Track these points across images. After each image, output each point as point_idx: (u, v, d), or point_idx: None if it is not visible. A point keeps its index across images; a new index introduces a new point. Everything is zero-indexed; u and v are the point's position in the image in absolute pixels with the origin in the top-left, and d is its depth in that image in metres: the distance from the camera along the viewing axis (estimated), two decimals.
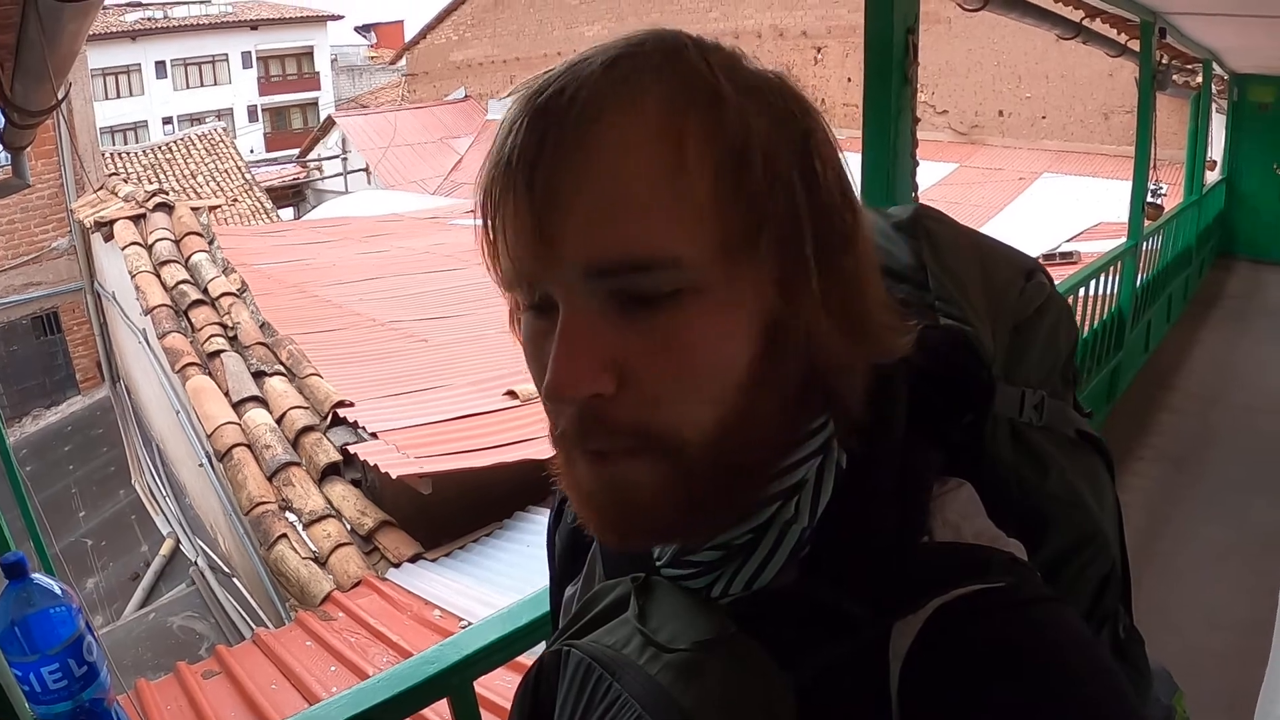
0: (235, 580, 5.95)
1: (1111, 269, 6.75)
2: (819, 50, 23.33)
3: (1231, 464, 6.27)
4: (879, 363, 0.72)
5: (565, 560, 0.95)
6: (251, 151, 32.46)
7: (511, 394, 6.58)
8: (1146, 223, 7.72)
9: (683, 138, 0.61)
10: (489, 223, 0.66)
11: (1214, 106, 12.40)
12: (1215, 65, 10.80)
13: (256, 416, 5.94)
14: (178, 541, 6.97)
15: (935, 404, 0.76)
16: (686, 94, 0.62)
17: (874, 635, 0.66)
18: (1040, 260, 0.94)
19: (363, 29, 48.25)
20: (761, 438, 0.68)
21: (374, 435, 5.80)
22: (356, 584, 4.90)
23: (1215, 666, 3.86)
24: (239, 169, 23.27)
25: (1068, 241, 12.58)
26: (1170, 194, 11.38)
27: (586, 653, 0.77)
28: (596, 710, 0.74)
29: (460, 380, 7.13)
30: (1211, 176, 13.10)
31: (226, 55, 39.08)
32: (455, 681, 1.65)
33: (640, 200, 0.60)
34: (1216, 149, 13.43)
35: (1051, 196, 18.06)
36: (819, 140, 0.67)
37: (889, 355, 0.70)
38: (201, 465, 5.81)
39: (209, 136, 23.86)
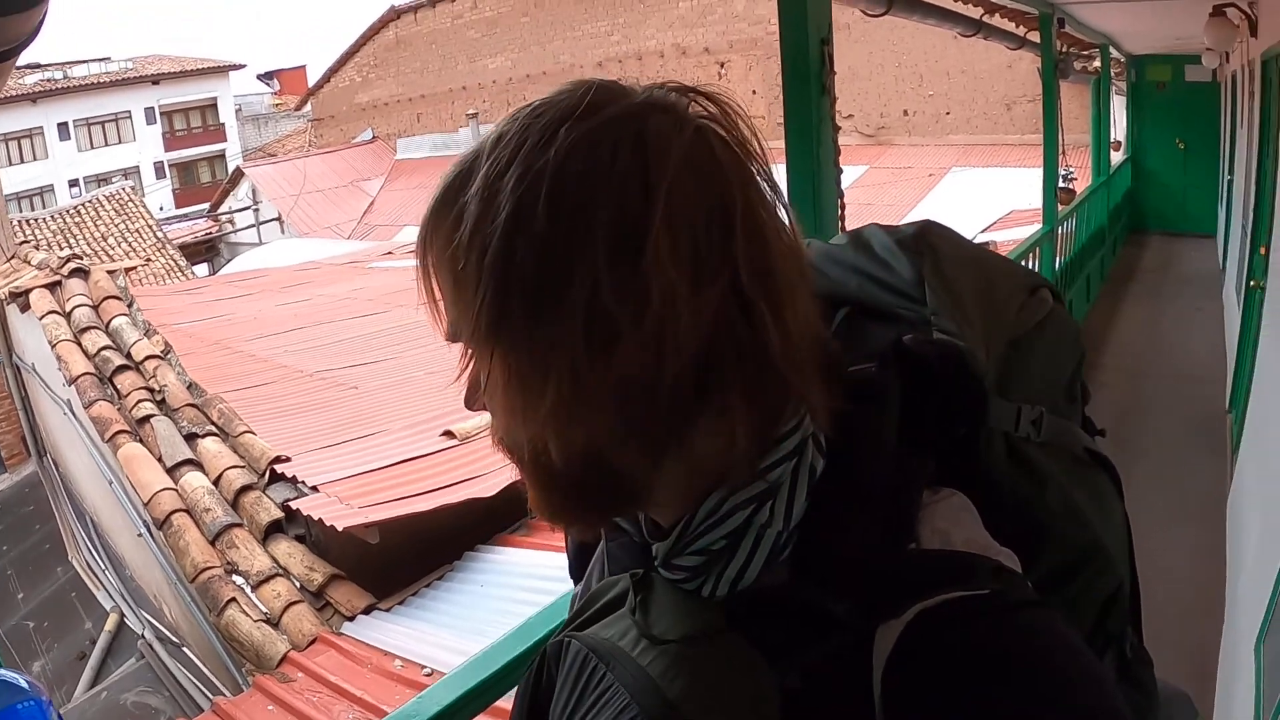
0: (186, 650, 5.80)
1: (1030, 255, 6.89)
2: (723, 65, 23.60)
3: (1166, 432, 6.46)
4: (861, 374, 0.77)
5: (576, 559, 1.02)
6: (161, 209, 31.93)
7: (449, 434, 6.52)
8: (1060, 207, 7.90)
9: (455, 252, 0.70)
10: None
11: (1114, 89, 12.73)
12: (1112, 49, 11.12)
13: (193, 480, 5.79)
14: (122, 615, 6.79)
15: (927, 415, 0.78)
16: (456, 212, 0.71)
17: (858, 636, 0.68)
18: None
19: (265, 77, 47.65)
20: (571, 477, 0.74)
21: (314, 489, 5.70)
22: (312, 642, 4.79)
23: (1177, 623, 4.03)
24: (150, 228, 22.92)
25: (982, 232, 12.84)
26: (1079, 177, 11.65)
27: (584, 643, 0.83)
28: (590, 697, 0.80)
29: (395, 425, 7.06)
30: (1117, 157, 13.46)
31: (129, 112, 38.51)
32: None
33: (447, 299, 0.74)
34: (1120, 130, 13.80)
35: (962, 190, 18.43)
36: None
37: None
38: (140, 535, 5.65)
39: (117, 197, 23.47)
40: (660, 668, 0.75)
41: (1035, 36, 7.87)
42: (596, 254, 0.66)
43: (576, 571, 1.01)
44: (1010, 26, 7.82)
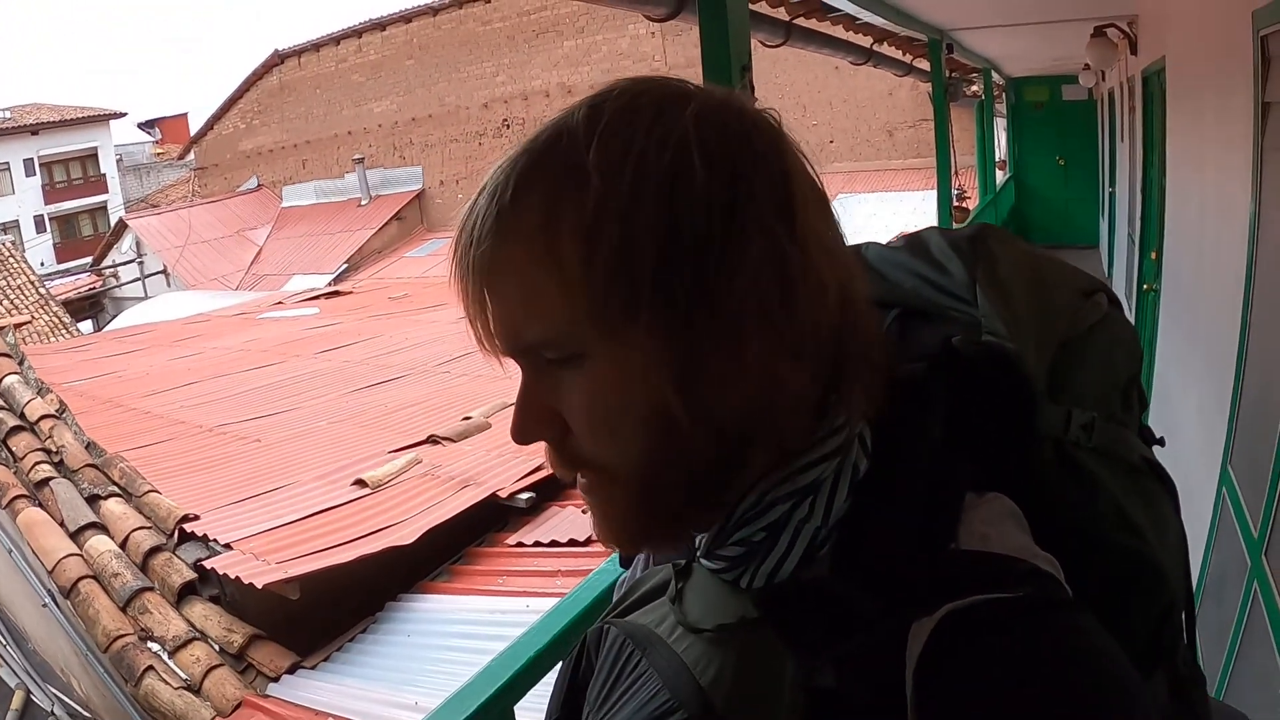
0: None
1: None
2: None
3: None
4: (909, 375, 0.78)
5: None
6: (42, 264, 30.89)
7: (360, 483, 6.42)
8: (955, 225, 8.11)
9: (557, 236, 0.69)
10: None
11: (995, 111, 13.19)
12: (994, 73, 11.48)
13: (99, 544, 5.55)
14: (28, 692, 6.45)
15: (973, 418, 0.78)
16: (557, 191, 0.69)
17: (891, 634, 0.68)
18: None
19: (146, 125, 46.48)
20: (699, 461, 0.73)
21: (228, 546, 5.55)
22: (237, 706, 4.63)
23: None
24: (32, 284, 22.26)
25: None
26: (970, 195, 11.99)
27: (623, 629, 0.85)
28: (625, 681, 0.82)
29: (304, 476, 6.92)
30: (1001, 175, 13.92)
31: (8, 164, 37.34)
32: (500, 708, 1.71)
33: (524, 300, 0.71)
34: (1002, 150, 14.28)
35: (850, 216, 18.65)
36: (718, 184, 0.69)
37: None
38: (45, 605, 5.38)
39: None
40: (694, 655, 0.77)
41: (922, 63, 8.11)
42: (764, 210, 0.69)
43: (626, 560, 1.03)
44: (898, 54, 8.03)
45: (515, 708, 1.75)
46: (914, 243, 0.96)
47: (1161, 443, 0.98)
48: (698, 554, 0.81)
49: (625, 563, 1.03)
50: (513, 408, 0.75)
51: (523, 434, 0.75)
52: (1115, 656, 0.67)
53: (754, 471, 0.75)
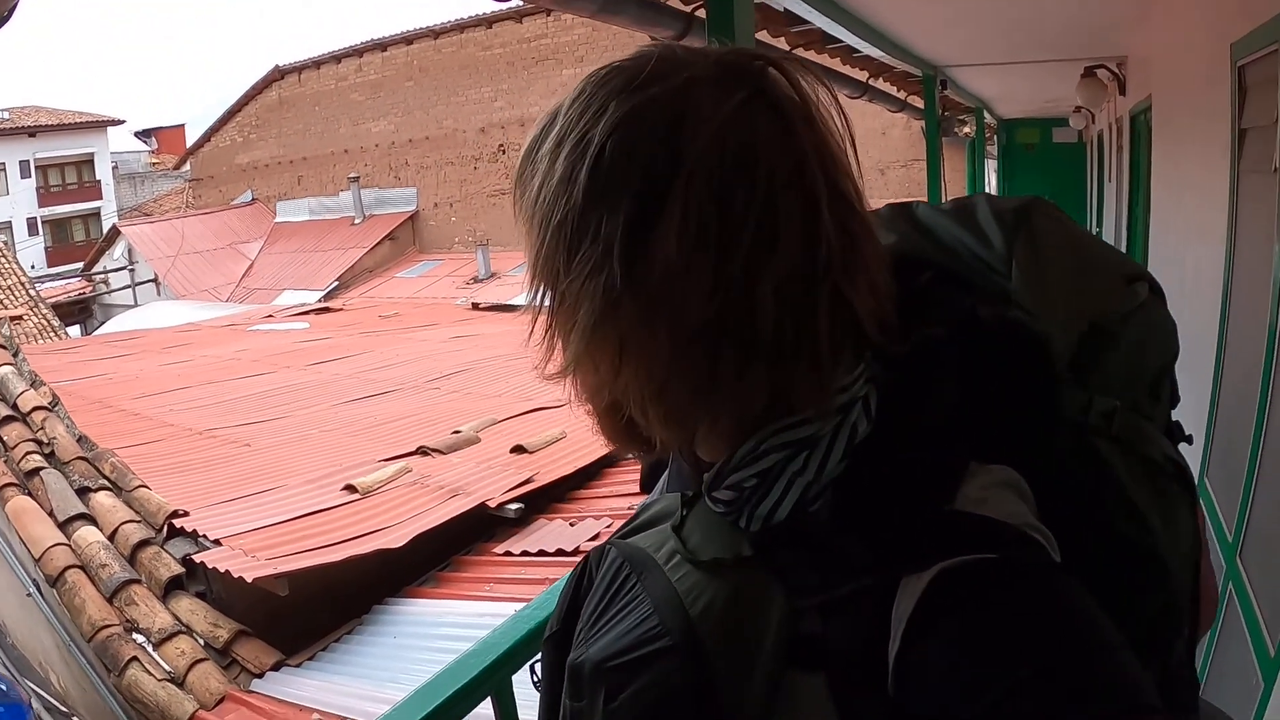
0: (75, 719, 5.52)
1: None
2: None
3: None
4: (928, 339, 0.80)
5: (648, 475, 1.05)
6: (33, 267, 30.66)
7: (350, 488, 6.43)
8: None
9: (524, 204, 0.80)
10: None
11: (986, 151, 13.31)
12: (986, 113, 11.59)
13: (87, 535, 5.57)
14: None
15: (989, 390, 0.80)
16: (526, 175, 0.81)
17: (881, 584, 0.71)
18: None
19: (143, 134, 46.34)
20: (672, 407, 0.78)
21: (217, 542, 5.55)
22: (221, 700, 4.64)
23: None
24: (22, 285, 22.20)
25: None
26: None
27: (622, 551, 0.87)
28: (619, 602, 0.84)
29: (293, 480, 6.93)
30: None
31: (4, 164, 37.15)
32: (498, 678, 1.70)
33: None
34: (991, 189, 14.40)
35: None
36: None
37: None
38: (30, 595, 5.39)
39: None
40: (687, 585, 0.79)
41: (916, 100, 8.21)
42: (616, 221, 0.72)
43: (648, 485, 1.05)
44: (892, 90, 8.13)
45: (513, 679, 1.72)
46: (961, 207, 0.97)
47: (1190, 440, 0.99)
48: (705, 488, 0.83)
49: (645, 489, 1.05)
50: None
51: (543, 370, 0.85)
52: (1095, 618, 0.68)
53: (731, 422, 0.80)
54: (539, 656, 0.98)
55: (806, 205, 0.73)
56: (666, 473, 1.00)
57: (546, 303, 0.79)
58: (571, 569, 0.97)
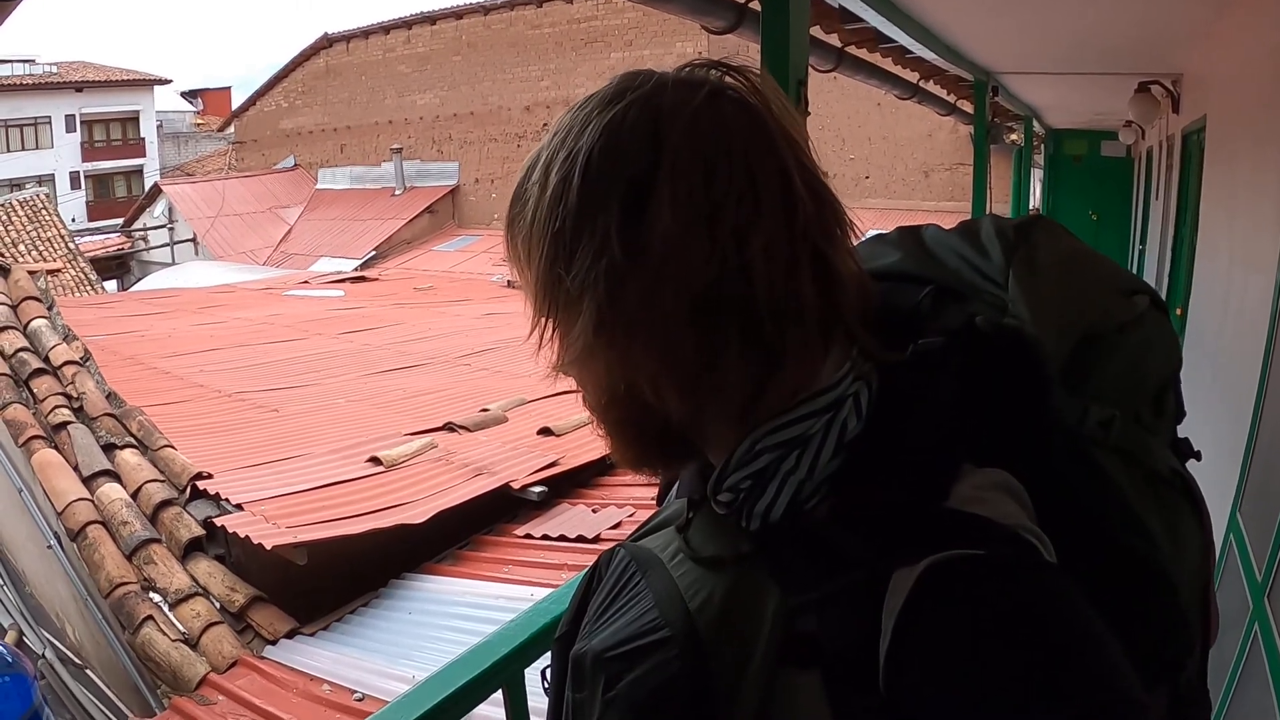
0: (89, 672, 5.57)
1: None
2: None
3: None
4: (927, 347, 0.83)
5: (664, 490, 1.08)
6: (74, 220, 30.89)
7: (375, 460, 6.45)
8: None
9: (521, 227, 0.83)
10: None
11: (1033, 161, 13.17)
12: (1035, 122, 11.47)
13: (110, 491, 5.62)
14: (20, 634, 6.50)
15: (986, 394, 0.82)
16: (520, 203, 0.84)
17: (874, 577, 0.72)
18: None
19: (189, 95, 46.62)
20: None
21: (239, 507, 5.58)
22: (233, 664, 4.67)
23: None
24: (62, 237, 22.34)
25: None
26: None
27: (629, 551, 0.91)
28: (623, 598, 0.87)
29: (318, 449, 6.95)
30: None
31: (50, 118, 37.27)
32: (510, 671, 1.71)
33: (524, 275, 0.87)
34: (1035, 199, 14.26)
35: None
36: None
37: None
38: (50, 547, 5.44)
39: (31, 203, 22.84)
40: (688, 580, 0.83)
41: (966, 104, 8.13)
42: (611, 211, 0.77)
43: (662, 499, 1.08)
44: (943, 93, 8.05)
45: (525, 672, 1.73)
46: (967, 227, 1.00)
47: (1198, 457, 0.99)
48: (709, 490, 0.86)
49: (660, 504, 1.07)
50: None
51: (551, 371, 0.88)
52: (1083, 613, 0.70)
53: (731, 424, 0.83)
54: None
55: (780, 174, 0.78)
56: (678, 483, 1.02)
57: (550, 309, 0.82)
58: (588, 566, 0.99)
